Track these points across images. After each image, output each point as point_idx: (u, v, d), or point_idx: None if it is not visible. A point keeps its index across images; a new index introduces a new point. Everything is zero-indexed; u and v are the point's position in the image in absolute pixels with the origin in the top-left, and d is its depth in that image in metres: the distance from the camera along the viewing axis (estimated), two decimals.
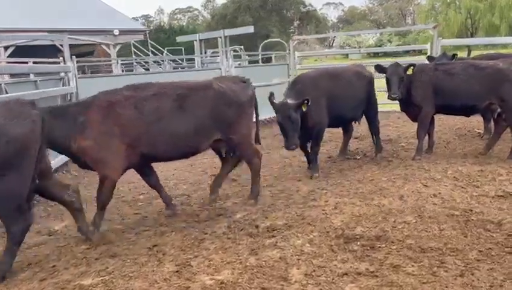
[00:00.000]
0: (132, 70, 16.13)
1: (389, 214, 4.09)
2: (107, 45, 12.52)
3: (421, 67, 5.98)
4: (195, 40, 12.54)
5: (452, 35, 34.00)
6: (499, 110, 5.69)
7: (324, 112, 5.51)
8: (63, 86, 7.20)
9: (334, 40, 51.07)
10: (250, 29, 10.89)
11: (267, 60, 15.55)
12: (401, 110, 6.26)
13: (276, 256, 3.36)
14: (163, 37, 32.84)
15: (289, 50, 11.17)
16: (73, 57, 7.03)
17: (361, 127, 8.81)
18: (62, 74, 7.31)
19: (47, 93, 6.08)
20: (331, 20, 68.04)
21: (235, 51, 14.65)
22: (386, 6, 64.32)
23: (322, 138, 5.76)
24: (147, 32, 18.53)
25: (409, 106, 5.99)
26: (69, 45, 7.17)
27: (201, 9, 62.70)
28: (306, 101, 4.99)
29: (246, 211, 4.42)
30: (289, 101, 5.09)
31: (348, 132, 6.60)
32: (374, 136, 6.47)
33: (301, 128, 5.25)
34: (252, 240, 3.69)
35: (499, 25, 33.21)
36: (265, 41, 12.42)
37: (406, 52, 22.79)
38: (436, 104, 5.77)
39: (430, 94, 5.73)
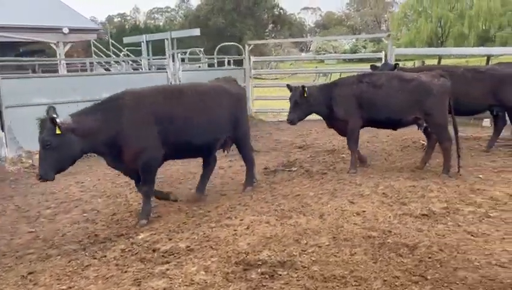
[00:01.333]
0: (92, 70, 15.49)
1: (303, 235, 3.78)
2: (56, 44, 11.91)
3: (342, 81, 5.87)
4: (142, 42, 12.07)
5: (422, 43, 34.64)
6: (425, 124, 5.46)
7: (150, 137, 4.29)
8: None
9: (310, 45, 51.40)
10: (196, 31, 10.62)
11: (239, 64, 15.18)
12: (329, 127, 6.04)
13: (161, 287, 2.99)
14: None
15: (245, 54, 10.88)
16: None
17: (307, 137, 8.62)
18: None
19: None
20: (308, 25, 68.61)
21: (195, 53, 14.28)
22: (362, 13, 65.21)
23: (154, 171, 4.46)
24: (101, 31, 17.82)
25: (334, 122, 5.80)
26: (20, 42, 6.59)
27: (176, 9, 62.12)
28: (57, 125, 3.76)
29: (152, 231, 4.04)
30: (56, 119, 3.80)
31: (209, 165, 5.11)
32: (247, 168, 5.28)
33: (117, 161, 4.27)
34: (141, 267, 3.31)
35: (467, 34, 34.09)
36: (221, 44, 12.11)
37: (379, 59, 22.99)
38: (363, 116, 5.55)
39: (353, 107, 5.51)
